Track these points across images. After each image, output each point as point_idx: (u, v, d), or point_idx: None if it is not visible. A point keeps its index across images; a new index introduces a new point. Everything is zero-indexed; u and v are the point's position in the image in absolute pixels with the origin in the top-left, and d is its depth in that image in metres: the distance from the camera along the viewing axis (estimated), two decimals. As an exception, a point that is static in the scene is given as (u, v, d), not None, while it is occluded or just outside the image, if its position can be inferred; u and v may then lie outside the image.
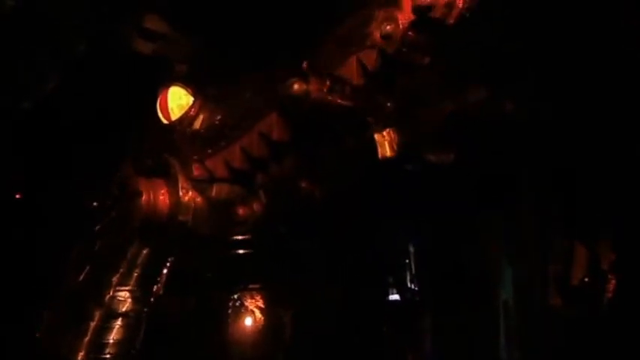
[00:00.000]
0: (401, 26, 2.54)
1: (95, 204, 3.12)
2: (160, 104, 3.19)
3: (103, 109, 3.78)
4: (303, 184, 3.05)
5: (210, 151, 2.96)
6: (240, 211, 2.97)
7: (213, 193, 2.94)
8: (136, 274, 3.02)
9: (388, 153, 2.99)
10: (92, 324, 3.15)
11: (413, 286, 4.82)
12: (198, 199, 2.92)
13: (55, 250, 3.54)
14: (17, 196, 4.46)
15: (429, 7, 2.48)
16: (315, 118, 2.75)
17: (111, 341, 3.20)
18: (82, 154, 3.86)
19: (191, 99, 3.06)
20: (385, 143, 2.96)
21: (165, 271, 3.18)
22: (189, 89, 3.10)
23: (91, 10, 3.73)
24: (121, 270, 3.01)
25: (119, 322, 3.14)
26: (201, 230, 2.96)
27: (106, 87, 3.68)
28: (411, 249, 4.79)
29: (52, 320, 3.45)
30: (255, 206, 3.02)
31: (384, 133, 2.96)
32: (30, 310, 3.75)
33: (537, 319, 4.36)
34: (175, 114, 3.14)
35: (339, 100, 2.71)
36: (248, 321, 4.13)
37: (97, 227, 3.06)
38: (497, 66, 4.03)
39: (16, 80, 4.15)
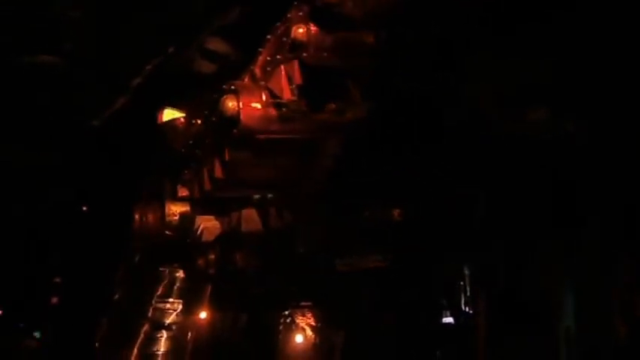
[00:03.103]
0: (312, 29, 2.33)
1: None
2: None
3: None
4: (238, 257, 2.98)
5: (186, 172, 2.98)
6: (200, 262, 3.00)
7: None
8: (177, 287, 3.10)
9: None
10: (139, 335, 3.25)
11: (468, 310, 4.70)
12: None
13: (109, 264, 3.66)
14: (84, 209, 4.68)
15: (336, 3, 2.19)
16: (255, 137, 2.58)
17: (158, 352, 3.29)
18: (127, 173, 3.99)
19: (182, 118, 3.11)
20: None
21: (208, 286, 3.25)
22: (180, 109, 3.15)
23: (159, 39, 3.87)
24: (163, 282, 3.10)
25: (164, 333, 3.23)
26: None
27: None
28: (467, 271, 4.67)
29: (106, 332, 3.58)
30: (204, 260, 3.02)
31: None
32: (89, 323, 3.90)
33: (601, 348, 4.17)
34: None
35: (277, 114, 2.52)
36: (298, 338, 4.13)
37: (136, 242, 3.16)
38: (558, 85, 3.92)
39: (90, 102, 4.35)
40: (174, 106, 3.16)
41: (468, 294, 4.69)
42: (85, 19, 3.80)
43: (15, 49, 3.86)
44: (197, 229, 2.94)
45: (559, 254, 4.37)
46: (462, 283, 4.72)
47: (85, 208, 4.62)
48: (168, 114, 3.19)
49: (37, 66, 3.95)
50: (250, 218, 2.92)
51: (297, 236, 2.85)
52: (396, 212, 3.16)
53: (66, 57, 3.99)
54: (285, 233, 2.96)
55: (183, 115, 3.10)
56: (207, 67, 4.09)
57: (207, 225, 2.95)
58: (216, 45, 3.98)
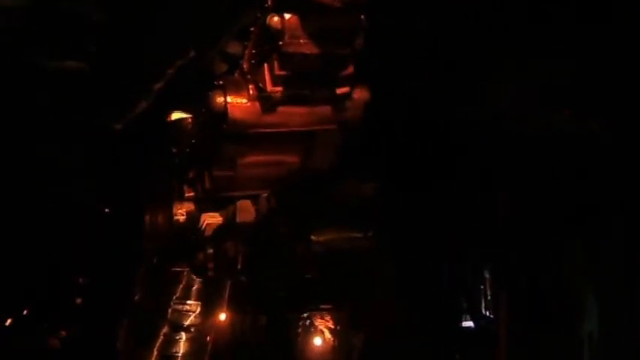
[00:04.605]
0: (287, 17, 2.25)
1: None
2: None
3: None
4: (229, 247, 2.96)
5: (191, 174, 2.99)
6: (200, 256, 3.00)
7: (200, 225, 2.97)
8: (195, 289, 3.13)
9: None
10: (159, 336, 3.28)
11: (488, 313, 4.66)
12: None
13: (132, 265, 3.70)
14: (107, 210, 4.74)
15: None
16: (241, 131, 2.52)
17: (177, 354, 3.32)
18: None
19: (189, 118, 3.11)
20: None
21: (227, 287, 3.26)
22: (188, 113, 3.15)
23: (182, 43, 3.90)
24: (181, 284, 3.12)
25: (183, 335, 3.25)
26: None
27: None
28: (487, 275, 4.63)
29: (127, 333, 3.62)
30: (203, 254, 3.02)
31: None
32: (112, 323, 3.94)
33: (625, 352, 4.12)
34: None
35: (262, 108, 2.46)
36: (317, 341, 4.13)
37: (147, 244, 3.19)
38: (583, 85, 3.88)
39: (113, 105, 4.39)
40: (185, 107, 3.18)
41: (489, 297, 4.66)
42: (109, 23, 3.83)
43: (39, 54, 3.91)
44: (201, 226, 2.96)
45: (582, 257, 4.33)
46: (482, 286, 4.69)
47: (107, 210, 4.69)
48: (176, 114, 3.22)
49: (62, 71, 3.99)
50: (245, 209, 2.91)
51: (277, 217, 2.81)
52: (371, 187, 3.07)
53: (90, 62, 4.03)
54: (271, 219, 2.93)
55: (191, 115, 3.11)
56: (220, 67, 4.12)
57: (211, 221, 2.96)
58: (234, 47, 4.00)
